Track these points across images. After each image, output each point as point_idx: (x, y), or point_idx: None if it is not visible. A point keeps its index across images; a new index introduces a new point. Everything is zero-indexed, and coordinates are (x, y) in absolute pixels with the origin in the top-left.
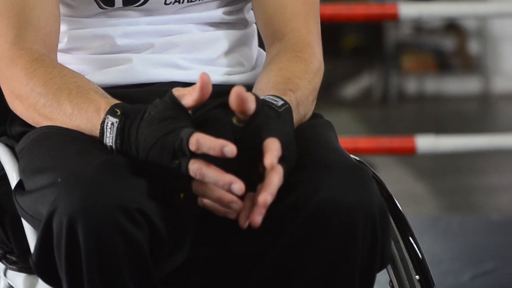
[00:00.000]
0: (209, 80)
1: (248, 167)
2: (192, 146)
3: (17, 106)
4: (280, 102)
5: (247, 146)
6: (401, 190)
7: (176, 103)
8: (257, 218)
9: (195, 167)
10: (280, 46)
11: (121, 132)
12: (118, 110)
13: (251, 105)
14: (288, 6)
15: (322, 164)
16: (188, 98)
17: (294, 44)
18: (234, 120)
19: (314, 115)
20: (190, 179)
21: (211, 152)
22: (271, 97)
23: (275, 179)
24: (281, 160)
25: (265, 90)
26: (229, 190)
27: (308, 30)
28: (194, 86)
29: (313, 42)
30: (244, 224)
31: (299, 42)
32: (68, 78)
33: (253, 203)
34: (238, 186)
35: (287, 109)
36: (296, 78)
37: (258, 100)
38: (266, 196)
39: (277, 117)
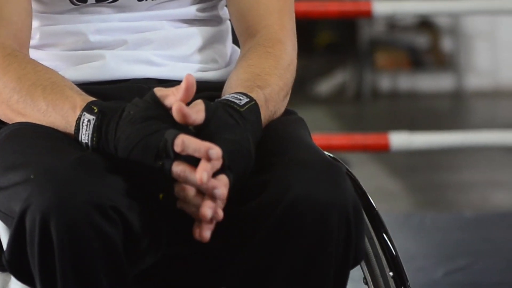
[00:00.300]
0: (194, 82)
1: None
2: (178, 147)
3: None
4: (244, 100)
5: None
6: (375, 186)
7: (158, 103)
8: (205, 234)
9: (179, 169)
10: (252, 42)
11: (98, 130)
12: (95, 107)
13: (197, 117)
14: (262, 2)
15: (295, 162)
16: (171, 98)
17: (265, 40)
18: (191, 127)
19: (287, 112)
20: (172, 181)
21: (196, 154)
22: (235, 95)
23: (217, 192)
24: (226, 169)
25: (233, 87)
26: (212, 195)
27: (281, 27)
28: (178, 86)
29: (285, 38)
30: (196, 235)
31: (271, 38)
32: (42, 74)
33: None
34: (221, 191)
35: (251, 106)
36: (265, 75)
37: (209, 107)
38: (205, 210)
39: (236, 118)
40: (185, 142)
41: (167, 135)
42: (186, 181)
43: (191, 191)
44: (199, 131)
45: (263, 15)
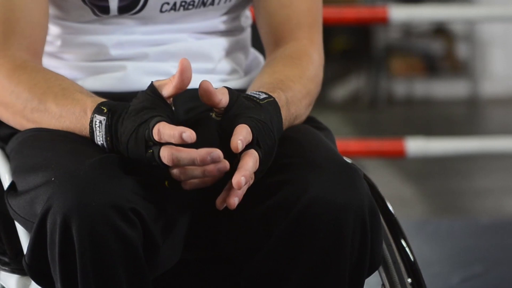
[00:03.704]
0: (189, 65)
1: (229, 158)
2: (155, 136)
3: (1, 113)
4: (263, 96)
5: (225, 137)
6: (390, 193)
7: (155, 93)
8: (232, 200)
9: (165, 154)
10: (279, 52)
11: (109, 129)
12: (104, 108)
13: (222, 98)
14: (293, 18)
15: (312, 163)
16: (168, 86)
17: (293, 51)
18: (213, 115)
19: (313, 121)
20: (167, 167)
21: (172, 140)
22: (255, 92)
23: (248, 161)
24: (254, 145)
25: (256, 89)
26: (211, 161)
27: (310, 41)
28: (174, 74)
29: (313, 52)
30: (220, 206)
31: (299, 50)
32: (52, 81)
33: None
34: (216, 153)
35: (270, 102)
36: (289, 81)
37: (231, 93)
38: (239, 177)
39: (256, 107)
40: (160, 130)
41: (151, 123)
42: (178, 163)
43: (192, 169)
44: (223, 116)
45: (294, 29)
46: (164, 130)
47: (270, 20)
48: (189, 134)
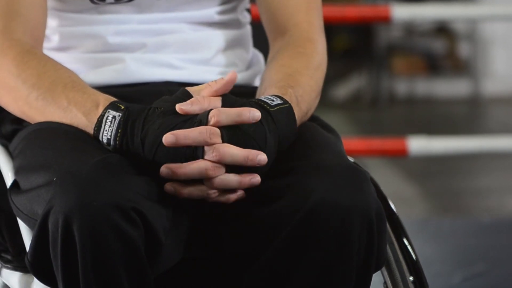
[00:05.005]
0: (235, 79)
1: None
2: (213, 117)
3: (2, 97)
4: (276, 102)
5: None
6: (392, 191)
7: (190, 97)
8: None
9: (213, 146)
10: (282, 42)
11: (124, 125)
12: (121, 105)
13: (214, 103)
14: (290, 1)
15: (318, 166)
16: (207, 90)
17: (295, 39)
18: None
19: (322, 124)
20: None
21: (230, 121)
22: (269, 96)
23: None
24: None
25: (267, 88)
26: (256, 162)
27: (310, 24)
28: (216, 80)
29: (315, 36)
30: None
31: (301, 37)
32: (62, 72)
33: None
34: (264, 156)
35: (282, 108)
36: (297, 75)
37: (227, 98)
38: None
39: (265, 116)
40: (220, 110)
41: (201, 116)
42: (223, 159)
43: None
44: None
45: (292, 13)
46: (224, 110)
47: (269, 4)
48: (257, 115)
